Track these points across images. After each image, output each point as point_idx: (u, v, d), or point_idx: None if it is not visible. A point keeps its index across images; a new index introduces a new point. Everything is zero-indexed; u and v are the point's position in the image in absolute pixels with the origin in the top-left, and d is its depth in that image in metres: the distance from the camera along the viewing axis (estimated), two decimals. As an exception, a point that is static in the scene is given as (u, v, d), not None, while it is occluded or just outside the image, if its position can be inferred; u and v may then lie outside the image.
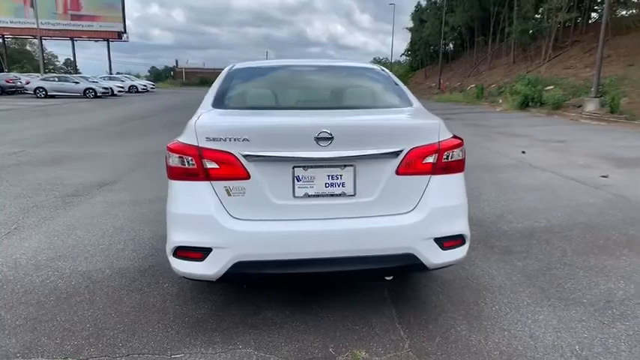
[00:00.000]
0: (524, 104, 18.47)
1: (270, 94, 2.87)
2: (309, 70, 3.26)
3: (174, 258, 2.17)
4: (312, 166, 2.14)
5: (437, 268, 2.31)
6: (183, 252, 2.14)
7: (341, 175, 2.16)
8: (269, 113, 2.48)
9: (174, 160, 2.16)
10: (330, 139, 2.09)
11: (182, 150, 2.14)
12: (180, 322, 2.40)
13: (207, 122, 2.21)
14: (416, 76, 50.10)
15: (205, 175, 2.12)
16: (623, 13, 24.79)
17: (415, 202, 2.22)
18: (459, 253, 2.29)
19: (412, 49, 52.88)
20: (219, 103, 2.55)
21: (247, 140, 2.09)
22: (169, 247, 2.18)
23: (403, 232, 2.17)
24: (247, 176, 2.10)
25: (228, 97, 2.65)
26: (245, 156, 2.09)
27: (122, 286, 2.80)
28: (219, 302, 2.60)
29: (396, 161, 2.18)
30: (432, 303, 2.60)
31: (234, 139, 2.10)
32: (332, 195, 2.17)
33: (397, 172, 2.19)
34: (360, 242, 2.14)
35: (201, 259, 2.12)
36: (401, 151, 2.17)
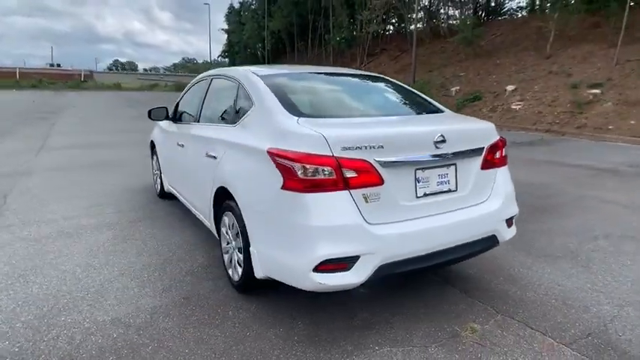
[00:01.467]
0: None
1: (336, 101, 2.90)
2: (341, 77, 3.36)
3: (315, 273, 2.10)
4: (428, 168, 2.35)
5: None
6: (328, 265, 2.09)
7: (447, 174, 2.43)
8: (367, 120, 2.59)
9: (307, 172, 2.08)
10: (444, 142, 2.34)
11: (318, 161, 2.08)
12: (301, 348, 2.30)
13: (341, 133, 2.19)
14: (237, 77, 50.53)
15: (345, 184, 2.11)
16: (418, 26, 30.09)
17: (489, 191, 2.64)
18: (514, 229, 2.80)
19: (230, 51, 53.14)
20: (298, 112, 2.47)
21: (382, 147, 2.18)
22: (308, 264, 2.09)
23: (490, 217, 2.56)
24: (381, 182, 2.19)
25: (300, 106, 2.57)
26: (380, 162, 2.17)
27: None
28: (311, 319, 2.54)
29: (481, 158, 2.56)
30: (486, 284, 3.07)
31: (370, 147, 2.16)
32: (441, 192, 2.42)
33: (481, 167, 2.57)
34: (468, 230, 2.45)
35: (346, 268, 2.11)
36: (483, 149, 2.57)
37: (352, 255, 2.10)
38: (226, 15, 52.09)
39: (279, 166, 2.20)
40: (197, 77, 4.17)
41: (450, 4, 27.40)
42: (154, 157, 5.17)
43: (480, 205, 2.57)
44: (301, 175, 2.09)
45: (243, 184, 2.52)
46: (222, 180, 2.77)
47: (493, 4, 26.13)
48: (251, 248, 2.47)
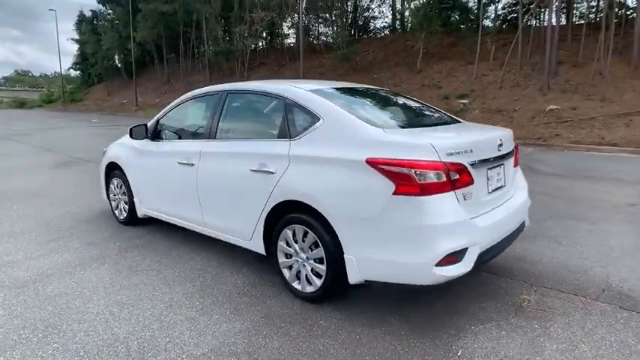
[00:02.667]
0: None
1: (392, 113, 3.13)
2: (371, 92, 3.59)
3: (437, 267, 2.33)
4: (493, 167, 2.77)
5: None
6: (447, 259, 2.35)
7: (500, 172, 2.89)
8: (432, 129, 2.90)
9: (424, 177, 2.32)
10: (502, 145, 2.80)
11: (432, 166, 2.34)
12: (415, 338, 2.50)
13: (441, 141, 2.46)
14: (94, 92, 45.87)
15: (451, 186, 2.40)
16: (291, 42, 31.22)
17: (514, 186, 3.18)
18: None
19: (84, 62, 47.97)
20: (374, 124, 2.68)
21: (471, 151, 2.53)
22: (432, 260, 2.32)
23: (523, 207, 3.10)
24: (472, 181, 2.53)
25: (372, 118, 2.77)
26: (471, 164, 2.51)
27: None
28: (397, 315, 2.76)
29: (513, 157, 3.09)
30: (504, 265, 3.61)
31: (464, 152, 2.49)
32: (499, 187, 2.86)
33: (513, 165, 3.10)
34: (515, 219, 2.94)
35: (459, 260, 2.40)
36: (514, 150, 3.10)
37: (464, 247, 2.39)
38: (76, 24, 46.89)
39: (388, 173, 2.38)
40: (193, 93, 3.96)
41: (320, 21, 29.11)
42: (115, 182, 4.68)
43: (515, 197, 3.08)
44: (418, 180, 2.31)
45: (332, 195, 2.59)
46: (292, 193, 2.79)
47: (361, 22, 28.60)
48: (346, 256, 2.57)
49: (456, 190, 2.42)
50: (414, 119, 3.37)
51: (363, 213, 2.49)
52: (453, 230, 2.37)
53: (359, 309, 2.78)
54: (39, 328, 2.61)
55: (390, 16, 28.19)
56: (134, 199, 4.40)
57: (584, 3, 18.55)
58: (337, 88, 3.31)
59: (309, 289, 2.85)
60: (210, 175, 3.43)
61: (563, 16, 17.57)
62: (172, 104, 4.14)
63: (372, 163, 2.44)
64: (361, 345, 2.41)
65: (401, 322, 2.63)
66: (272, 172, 2.92)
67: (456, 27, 19.49)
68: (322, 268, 2.75)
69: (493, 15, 19.69)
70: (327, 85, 3.35)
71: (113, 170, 4.72)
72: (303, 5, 20.77)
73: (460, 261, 2.40)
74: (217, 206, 3.43)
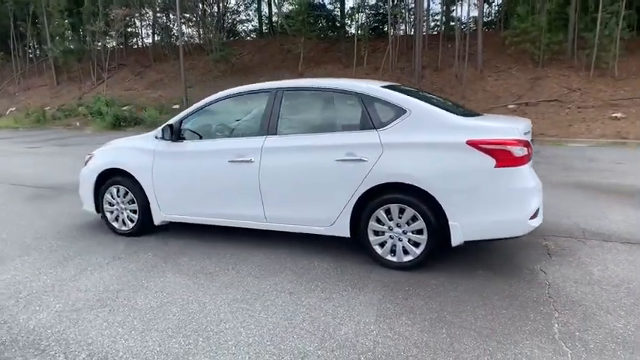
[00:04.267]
0: (117, 124, 18.98)
1: (448, 106, 3.66)
2: (406, 87, 4.10)
3: (529, 220, 3.06)
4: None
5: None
6: (534, 213, 3.09)
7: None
8: (481, 118, 3.55)
9: (520, 151, 3.02)
10: (529, 132, 3.65)
11: (522, 144, 3.06)
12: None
13: (519, 124, 3.18)
14: None
15: (528, 158, 3.14)
16: (147, 42, 29.16)
17: None
18: None
19: None
20: (450, 113, 3.29)
21: (528, 133, 3.31)
22: (527, 214, 3.05)
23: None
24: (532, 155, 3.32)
25: (445, 109, 3.35)
26: (529, 142, 3.30)
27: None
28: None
29: None
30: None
31: (527, 133, 3.26)
32: (528, 163, 3.72)
33: None
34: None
35: (536, 215, 3.18)
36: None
37: (539, 205, 3.15)
38: None
39: (489, 151, 3.01)
40: (229, 93, 3.97)
41: (182, 20, 27.98)
42: (113, 190, 4.31)
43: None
44: (516, 154, 3.00)
45: (437, 174, 3.12)
46: (392, 176, 3.22)
47: (228, 25, 28.37)
48: (451, 223, 3.13)
49: (529, 162, 3.17)
50: (461, 110, 3.94)
51: (466, 185, 3.07)
52: (535, 192, 3.13)
53: (447, 271, 3.34)
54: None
55: (257, 20, 28.67)
56: (150, 206, 4.15)
57: (434, 17, 21.92)
58: (389, 86, 3.78)
59: (407, 258, 3.31)
60: (277, 169, 3.58)
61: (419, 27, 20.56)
62: (199, 105, 4.05)
63: (473, 144, 3.04)
64: (464, 295, 2.99)
65: (487, 272, 3.31)
66: (364, 160, 3.28)
67: (326, 34, 21.04)
68: (422, 237, 3.25)
69: (360, 23, 21.77)
70: (378, 84, 3.78)
71: (110, 178, 4.32)
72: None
73: (537, 215, 3.17)
74: (287, 199, 3.60)
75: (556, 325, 2.55)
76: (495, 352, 2.30)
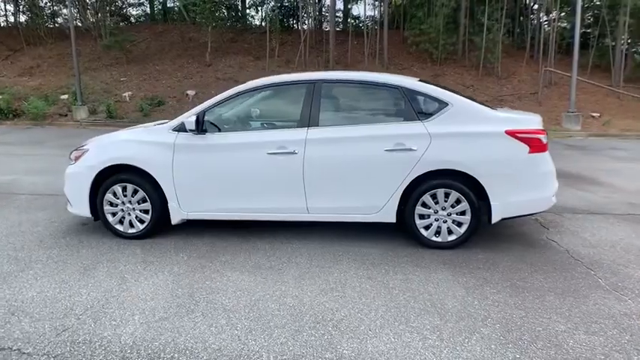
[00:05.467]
0: (-11, 117, 16.12)
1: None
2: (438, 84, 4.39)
3: (553, 197, 3.64)
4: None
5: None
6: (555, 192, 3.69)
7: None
8: (503, 110, 4.05)
9: (545, 139, 3.57)
10: None
11: (545, 133, 3.61)
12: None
13: (537, 116, 3.73)
14: None
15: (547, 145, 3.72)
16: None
17: None
18: None
19: None
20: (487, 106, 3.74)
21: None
22: (552, 193, 3.64)
23: None
24: (545, 144, 3.91)
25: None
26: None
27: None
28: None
29: None
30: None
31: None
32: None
33: None
34: None
35: (555, 193, 3.77)
36: None
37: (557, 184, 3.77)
38: None
39: (524, 139, 3.51)
40: (257, 84, 3.88)
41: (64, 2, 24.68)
42: (118, 189, 3.92)
43: None
44: (544, 141, 3.53)
45: (481, 160, 3.53)
46: (442, 163, 3.55)
47: (115, 8, 25.72)
48: (493, 203, 3.57)
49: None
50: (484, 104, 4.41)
51: (506, 169, 3.54)
52: (554, 173, 3.71)
53: (480, 248, 3.79)
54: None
55: (148, 5, 26.53)
56: (169, 205, 3.86)
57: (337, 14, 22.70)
58: (421, 80, 4.03)
59: (451, 237, 3.69)
60: (323, 159, 3.65)
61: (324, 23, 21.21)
62: (224, 96, 3.88)
63: (511, 133, 3.50)
64: (514, 264, 3.48)
65: (512, 245, 3.83)
66: (413, 149, 3.54)
67: (233, 24, 20.49)
68: (465, 218, 3.63)
69: (267, 15, 21.61)
70: (413, 79, 4.01)
71: (112, 175, 3.89)
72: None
73: (555, 195, 3.75)
74: (333, 189, 3.69)
75: (600, 280, 3.14)
76: (577, 304, 2.78)
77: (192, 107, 3.99)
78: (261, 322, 2.59)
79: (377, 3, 20.77)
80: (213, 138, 3.81)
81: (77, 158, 4.03)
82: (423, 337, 2.41)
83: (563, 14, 18.61)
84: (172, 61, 19.73)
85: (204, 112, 3.84)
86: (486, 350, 2.29)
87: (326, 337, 2.44)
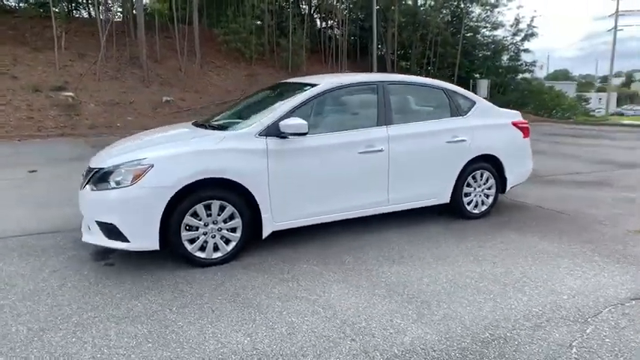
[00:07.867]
0: None
1: None
2: None
3: (531, 169, 5.05)
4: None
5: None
6: (530, 165, 5.11)
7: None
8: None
9: (528, 128, 4.91)
10: None
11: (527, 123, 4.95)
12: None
13: (518, 112, 5.01)
14: None
15: (524, 133, 5.07)
16: None
17: None
18: None
19: None
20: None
21: None
22: (531, 166, 4.99)
23: None
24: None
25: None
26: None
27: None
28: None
29: None
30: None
31: (513, 116, 5.20)
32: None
33: None
34: None
35: (528, 167, 5.19)
36: None
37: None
38: None
39: (521, 128, 4.73)
40: (333, 85, 3.84)
41: None
42: (200, 210, 3.27)
43: None
44: (528, 130, 4.86)
45: (501, 145, 4.54)
46: (481, 150, 4.41)
47: None
48: (508, 176, 4.69)
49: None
50: None
51: (514, 150, 4.71)
52: (531, 153, 5.11)
53: (486, 222, 4.87)
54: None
55: None
56: (262, 217, 3.49)
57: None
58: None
59: (483, 208, 4.62)
60: (404, 154, 4.04)
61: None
62: (300, 99, 3.68)
63: (515, 124, 4.69)
64: (531, 229, 4.73)
65: (513, 213, 5.06)
66: (464, 140, 4.32)
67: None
68: (492, 192, 4.63)
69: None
70: (437, 81, 4.67)
71: (188, 194, 3.22)
72: None
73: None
74: (410, 180, 4.11)
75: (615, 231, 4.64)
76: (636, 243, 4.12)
77: None
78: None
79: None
80: (304, 141, 3.59)
81: (137, 177, 3.09)
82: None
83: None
84: None
85: (280, 117, 3.56)
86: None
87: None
